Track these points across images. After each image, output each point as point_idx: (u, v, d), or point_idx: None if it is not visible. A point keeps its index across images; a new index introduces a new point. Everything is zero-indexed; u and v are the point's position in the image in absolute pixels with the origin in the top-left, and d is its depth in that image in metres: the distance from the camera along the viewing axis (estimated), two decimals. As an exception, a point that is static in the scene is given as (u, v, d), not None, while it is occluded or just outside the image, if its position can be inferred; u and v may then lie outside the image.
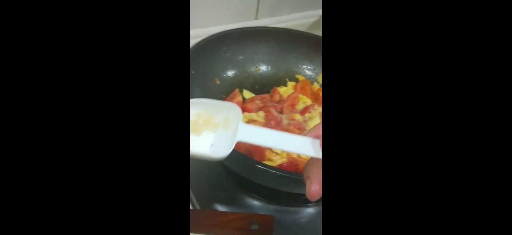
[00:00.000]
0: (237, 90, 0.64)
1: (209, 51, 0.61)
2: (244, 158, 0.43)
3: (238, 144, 0.57)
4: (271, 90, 0.67)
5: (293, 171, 0.52)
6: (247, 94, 0.66)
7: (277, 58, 0.68)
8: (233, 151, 0.44)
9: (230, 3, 0.78)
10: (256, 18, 0.84)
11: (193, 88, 0.58)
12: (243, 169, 0.46)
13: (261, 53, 0.67)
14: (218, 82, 0.63)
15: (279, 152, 0.55)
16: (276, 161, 0.54)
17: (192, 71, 0.57)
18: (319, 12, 0.89)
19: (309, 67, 0.69)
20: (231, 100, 0.63)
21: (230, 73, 0.65)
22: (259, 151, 0.54)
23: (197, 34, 0.76)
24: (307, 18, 0.88)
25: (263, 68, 0.68)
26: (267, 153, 0.55)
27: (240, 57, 0.65)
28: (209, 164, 0.55)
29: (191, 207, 0.51)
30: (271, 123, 0.59)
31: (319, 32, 0.84)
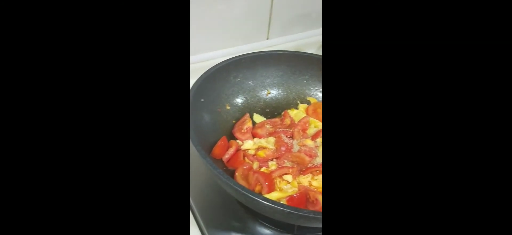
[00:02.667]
0: (247, 115, 0.64)
1: (219, 77, 0.61)
2: (251, 194, 0.42)
3: (248, 171, 0.56)
4: (282, 113, 0.66)
5: (304, 201, 0.51)
6: (258, 118, 0.66)
7: (288, 81, 0.68)
8: (241, 186, 0.44)
9: (241, 25, 0.78)
10: (268, 38, 0.84)
11: (203, 114, 0.58)
12: (252, 203, 0.46)
13: (272, 77, 0.67)
14: (228, 107, 0.63)
15: (290, 180, 0.55)
16: (287, 190, 0.53)
17: (201, 99, 0.57)
18: (331, 29, 0.88)
19: (320, 90, 0.69)
20: (241, 125, 0.63)
21: (240, 98, 0.65)
22: (269, 179, 0.53)
23: (210, 56, 0.76)
24: (319, 36, 0.87)
25: (274, 91, 0.67)
26: (278, 181, 0.55)
27: (250, 82, 0.65)
28: (222, 193, 0.55)
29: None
30: (282, 149, 0.58)
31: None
